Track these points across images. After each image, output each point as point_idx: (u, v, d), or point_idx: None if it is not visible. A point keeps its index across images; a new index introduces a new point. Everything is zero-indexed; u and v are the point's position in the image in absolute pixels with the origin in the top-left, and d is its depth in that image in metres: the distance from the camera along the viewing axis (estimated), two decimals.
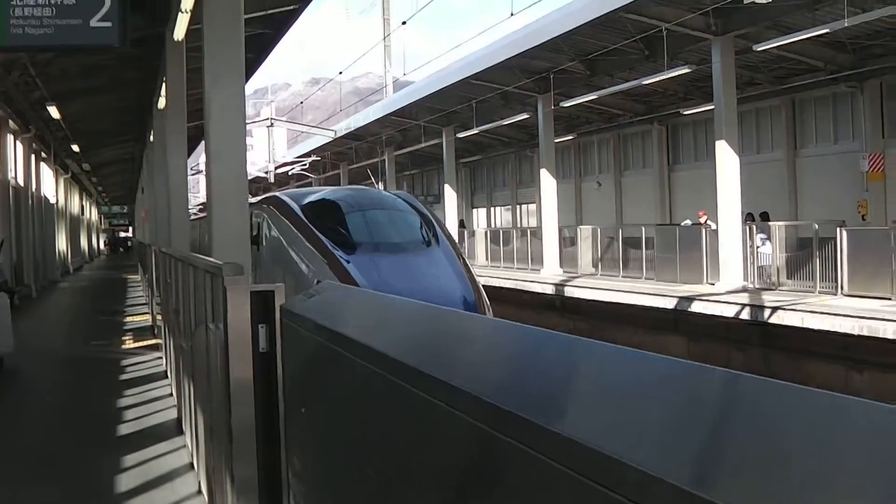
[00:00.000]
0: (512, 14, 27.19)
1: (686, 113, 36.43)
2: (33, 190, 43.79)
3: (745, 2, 23.03)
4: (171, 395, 14.74)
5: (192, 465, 10.62)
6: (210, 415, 7.55)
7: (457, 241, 23.20)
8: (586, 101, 35.72)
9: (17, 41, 9.51)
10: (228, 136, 11.96)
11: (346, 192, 22.20)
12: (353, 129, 53.99)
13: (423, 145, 49.41)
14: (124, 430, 13.72)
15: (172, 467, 11.15)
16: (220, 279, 6.39)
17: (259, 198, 23.26)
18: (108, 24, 9.28)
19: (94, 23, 9.26)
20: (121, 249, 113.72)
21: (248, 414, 5.40)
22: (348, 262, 17.46)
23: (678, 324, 26.95)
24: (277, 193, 23.78)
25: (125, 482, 10.78)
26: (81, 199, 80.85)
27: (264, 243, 20.26)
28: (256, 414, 5.30)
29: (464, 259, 19.33)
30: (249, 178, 77.37)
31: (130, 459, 11.68)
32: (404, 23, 39.31)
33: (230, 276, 6.43)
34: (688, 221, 31.61)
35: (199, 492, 9.63)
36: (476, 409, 1.80)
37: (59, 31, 9.40)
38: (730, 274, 26.14)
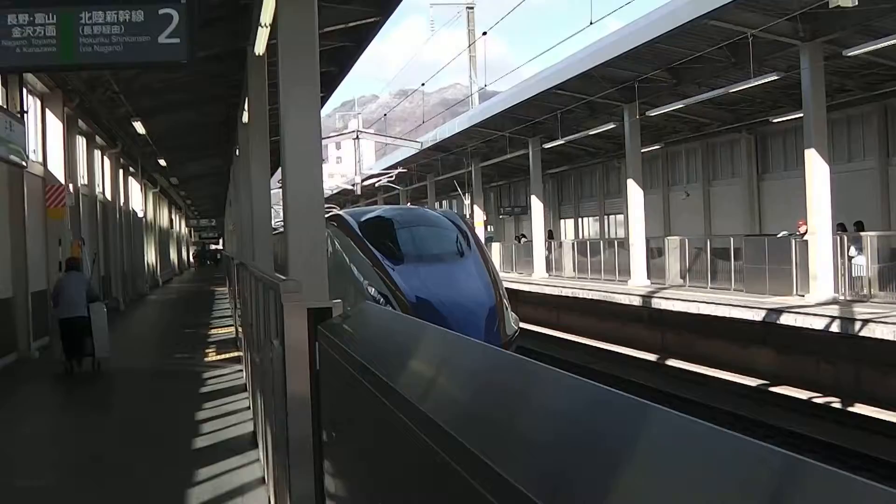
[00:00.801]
0: (591, 23, 26.88)
1: (775, 121, 35.88)
2: (121, 204, 44.33)
3: (830, 6, 22.50)
4: (249, 408, 14.73)
5: (263, 479, 10.58)
6: (274, 429, 7.50)
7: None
8: (673, 110, 35.33)
9: (86, 59, 9.51)
10: (303, 149, 11.87)
11: (397, 211, 25.92)
12: (438, 140, 54.04)
13: (508, 156, 49.24)
14: (201, 442, 13.81)
15: (244, 481, 11.17)
16: (278, 295, 6.36)
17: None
18: (177, 40, 9.24)
19: (162, 39, 9.23)
20: (208, 262, 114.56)
21: (304, 430, 5.33)
22: (394, 270, 20.68)
23: (767, 336, 26.54)
24: (340, 212, 26.28)
25: (196, 495, 10.79)
26: (170, 212, 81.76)
27: (329, 257, 21.06)
28: (314, 430, 5.22)
29: (491, 267, 22.13)
30: (337, 190, 78.57)
31: (204, 473, 11.71)
32: (485, 33, 39.20)
33: (287, 293, 6.37)
34: (784, 232, 30.94)
35: None
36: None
37: (128, 48, 9.38)
38: (820, 285, 25.64)
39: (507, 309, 20.71)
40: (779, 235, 30.21)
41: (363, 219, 23.31)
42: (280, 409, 6.49)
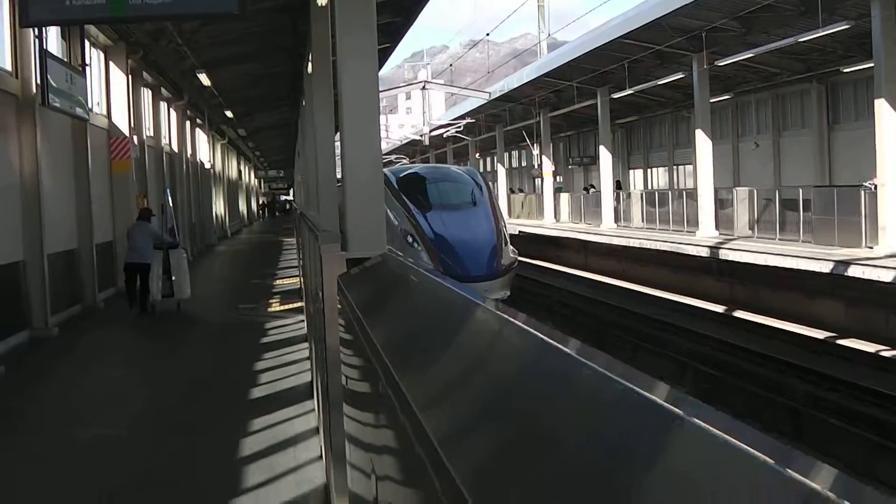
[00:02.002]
0: None
1: (846, 71, 35.24)
2: (188, 156, 44.49)
3: None
4: (308, 358, 14.74)
5: (317, 429, 10.56)
6: (323, 380, 7.46)
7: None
8: (742, 60, 34.80)
9: (134, 11, 9.42)
10: (360, 98, 11.74)
11: (428, 169, 32.91)
12: (506, 90, 53.75)
13: (577, 106, 48.85)
14: (260, 392, 13.93)
15: (298, 431, 11.21)
16: (318, 245, 6.31)
17: None
18: None
19: None
20: (277, 213, 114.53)
21: (339, 380, 5.24)
22: (422, 215, 26.44)
23: (835, 288, 26.17)
24: (383, 170, 27.94)
25: (250, 445, 10.82)
26: (239, 164, 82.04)
27: None
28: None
29: (498, 214, 27.73)
30: (405, 140, 78.63)
31: (260, 422, 11.78)
32: None
33: (326, 244, 6.29)
34: (868, 183, 29.77)
35: (321, 457, 9.56)
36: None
37: (178, 0, 9.27)
38: (889, 237, 25.18)
39: (506, 245, 26.65)
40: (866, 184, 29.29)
41: (400, 175, 29.06)
42: (322, 360, 6.46)
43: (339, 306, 5.16)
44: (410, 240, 25.99)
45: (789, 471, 0.96)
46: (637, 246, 38.33)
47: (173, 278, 22.97)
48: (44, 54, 19.83)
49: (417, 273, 4.36)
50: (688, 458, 1.12)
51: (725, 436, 1.08)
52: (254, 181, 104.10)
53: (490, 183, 32.03)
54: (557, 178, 59.92)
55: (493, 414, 1.75)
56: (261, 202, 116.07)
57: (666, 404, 1.25)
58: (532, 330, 2.08)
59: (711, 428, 1.12)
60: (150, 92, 35.64)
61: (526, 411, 1.64)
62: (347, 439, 4.50)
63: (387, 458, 2.22)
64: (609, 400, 1.42)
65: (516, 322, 2.23)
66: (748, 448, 1.04)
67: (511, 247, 27.18)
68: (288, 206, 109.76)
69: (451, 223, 26.14)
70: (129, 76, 29.60)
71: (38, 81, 19.80)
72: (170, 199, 28.49)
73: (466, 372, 2.22)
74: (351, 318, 3.88)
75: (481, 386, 2.02)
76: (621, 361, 1.63)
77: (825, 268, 25.18)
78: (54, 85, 20.19)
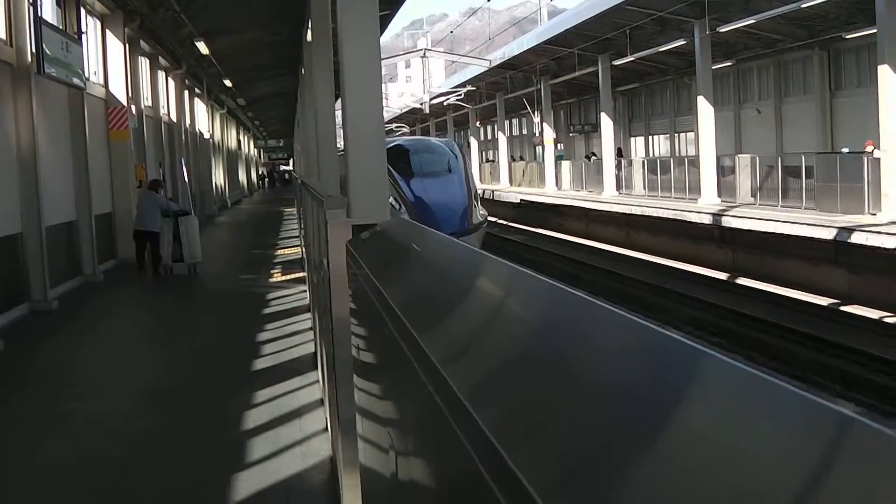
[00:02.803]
0: None
1: (848, 37, 35.04)
2: (187, 125, 44.31)
3: None
4: (311, 328, 14.65)
5: (322, 400, 10.48)
6: (328, 350, 7.36)
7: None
8: (744, 27, 34.60)
9: None
10: (363, 64, 11.58)
11: (411, 141, 36.26)
12: (507, 58, 53.58)
13: (578, 74, 48.70)
14: (262, 363, 13.85)
15: (303, 403, 11.15)
16: (323, 212, 6.24)
17: None
18: None
19: None
20: (277, 184, 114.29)
21: (347, 350, 5.11)
22: (405, 182, 29.80)
23: (838, 255, 26.07)
24: None
25: (254, 417, 10.76)
26: (238, 133, 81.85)
27: None
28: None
29: (470, 179, 31.69)
30: (406, 109, 78.71)
31: (264, 394, 11.72)
32: None
33: (331, 209, 6.21)
34: (845, 149, 30.10)
35: (326, 429, 9.47)
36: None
37: None
38: (892, 203, 25.06)
39: (475, 208, 30.78)
40: (841, 152, 29.25)
41: (387, 147, 29.53)
42: (328, 330, 6.38)
43: (348, 273, 5.03)
44: (396, 205, 28.16)
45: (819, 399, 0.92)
46: (639, 213, 38.23)
47: (182, 244, 24.46)
48: (39, 22, 19.65)
49: (427, 233, 4.25)
50: (718, 396, 1.11)
51: (753, 371, 1.07)
52: (253, 151, 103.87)
53: (465, 153, 36.68)
54: (558, 145, 59.79)
55: (518, 365, 1.71)
56: (260, 172, 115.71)
57: (693, 344, 1.24)
58: (546, 279, 2.06)
59: (742, 365, 1.10)
60: (147, 61, 35.44)
61: (551, 358, 1.59)
62: (359, 412, 4.37)
63: (408, 426, 2.11)
64: (633, 342, 1.31)
65: (529, 273, 2.21)
66: (777, 381, 1.02)
67: (481, 208, 32.03)
68: (287, 177, 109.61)
69: (430, 188, 30.15)
70: (127, 45, 29.37)
71: (34, 50, 19.61)
72: (185, 169, 29.45)
73: (487, 325, 2.18)
74: (363, 285, 3.77)
75: (503, 338, 1.98)
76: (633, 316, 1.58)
77: (828, 235, 25.08)
78: (49, 53, 20.02)
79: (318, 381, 11.54)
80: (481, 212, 31.62)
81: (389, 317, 2.77)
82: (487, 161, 75.63)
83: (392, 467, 2.55)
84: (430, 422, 1.81)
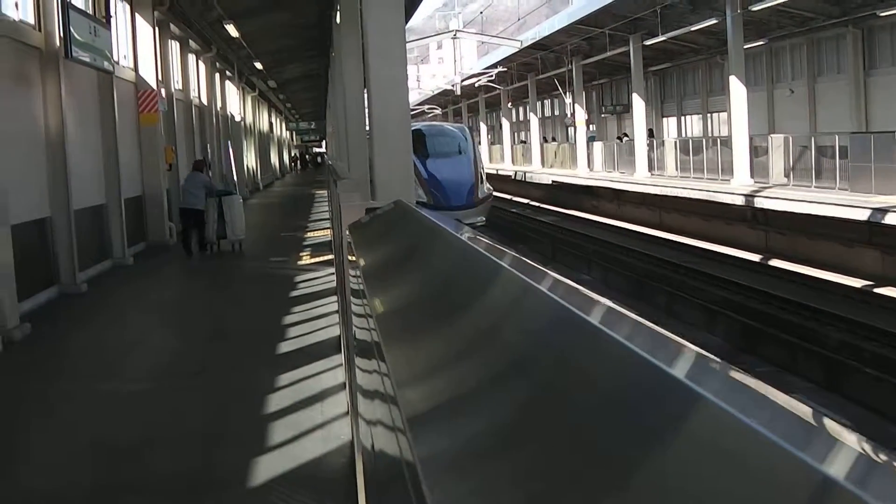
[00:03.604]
0: None
1: (883, 14, 34.68)
2: (218, 108, 44.37)
3: None
4: (337, 311, 14.65)
5: (345, 384, 10.46)
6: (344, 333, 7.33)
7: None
8: (776, 5, 34.30)
9: None
10: (387, 47, 11.56)
11: (428, 126, 40.07)
12: (538, 38, 53.41)
13: (609, 54, 48.50)
14: (289, 346, 13.87)
15: (325, 387, 11.15)
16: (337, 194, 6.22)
17: None
18: None
19: None
20: (309, 166, 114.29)
21: (361, 334, 5.07)
22: (422, 162, 33.16)
23: (872, 236, 25.86)
24: None
25: (276, 401, 10.76)
26: (270, 116, 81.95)
27: None
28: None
29: (478, 159, 36.75)
30: (437, 91, 78.55)
31: (288, 377, 11.72)
32: None
33: (345, 192, 6.16)
34: None
35: (348, 412, 9.45)
36: None
37: None
38: None
39: (482, 183, 35.80)
40: None
41: None
42: (343, 313, 6.38)
43: (351, 256, 5.01)
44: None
45: (803, 456, 0.81)
46: (671, 194, 38.06)
47: (227, 221, 25.83)
48: (66, 7, 19.70)
49: (421, 218, 4.21)
50: (701, 441, 0.97)
51: (743, 418, 0.92)
52: (285, 134, 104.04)
53: (475, 137, 44.63)
54: (590, 126, 59.54)
55: (480, 347, 1.77)
56: (292, 155, 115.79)
57: (685, 381, 1.09)
58: (521, 258, 2.15)
59: (730, 409, 0.95)
60: (177, 44, 35.51)
61: (524, 358, 1.58)
62: (361, 395, 4.34)
63: (415, 409, 2.08)
64: (621, 367, 1.26)
65: (514, 255, 2.29)
66: (764, 431, 0.88)
67: (487, 184, 37.06)
68: (320, 159, 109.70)
69: (442, 167, 34.61)
70: (156, 28, 29.43)
71: (62, 34, 19.66)
72: (231, 152, 31.57)
73: (453, 309, 2.26)
74: (360, 268, 3.74)
75: (469, 323, 2.04)
76: (647, 321, 1.47)
77: (862, 216, 24.87)
78: (78, 38, 20.07)
79: (342, 364, 11.53)
80: (487, 187, 36.73)
81: (383, 299, 2.74)
82: (520, 142, 75.42)
83: (403, 452, 2.51)
84: (438, 404, 1.79)
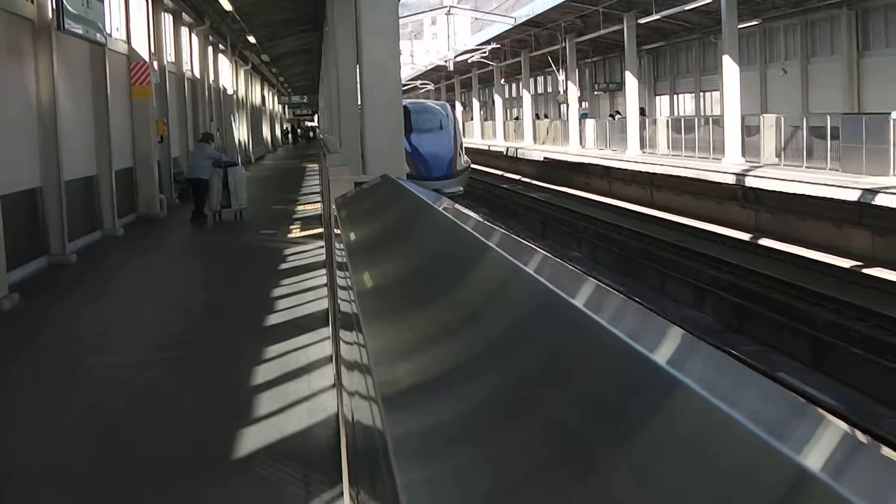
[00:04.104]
0: None
1: None
2: (210, 81, 44.25)
3: None
4: (326, 284, 14.66)
5: (331, 357, 10.48)
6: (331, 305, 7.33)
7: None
8: None
9: None
10: (380, 22, 11.57)
11: (413, 103, 41.24)
12: (532, 15, 53.34)
13: (603, 32, 48.46)
14: (275, 319, 13.86)
15: (312, 359, 11.17)
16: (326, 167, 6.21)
17: None
18: None
19: None
20: (301, 140, 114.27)
21: (346, 307, 5.08)
22: (406, 137, 30.46)
23: (862, 217, 25.90)
24: None
25: (263, 373, 10.79)
26: (263, 89, 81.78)
27: None
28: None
29: (457, 134, 39.27)
30: (431, 66, 78.37)
31: (275, 350, 11.73)
32: None
33: (334, 167, 6.15)
34: None
35: (334, 385, 9.47)
36: None
37: None
38: None
39: (460, 156, 38.42)
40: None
41: None
42: (332, 286, 6.38)
43: (337, 229, 5.00)
44: None
45: (781, 447, 0.81)
46: (662, 173, 38.07)
47: (231, 191, 26.59)
48: None
49: (405, 192, 4.21)
50: (680, 427, 0.97)
51: (724, 407, 0.91)
52: (278, 107, 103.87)
53: (458, 114, 49.36)
54: (583, 104, 59.52)
55: (458, 325, 1.79)
56: (284, 128, 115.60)
57: (666, 367, 1.08)
58: (509, 235, 2.16)
59: (711, 397, 0.94)
60: (170, 17, 35.41)
61: (494, 331, 1.63)
62: (345, 366, 4.35)
63: (393, 381, 2.09)
64: (602, 352, 1.26)
65: (489, 226, 2.33)
66: (744, 421, 0.87)
67: (465, 157, 40.30)
68: (311, 134, 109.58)
69: (424, 141, 36.66)
70: (149, 1, 29.32)
71: (54, 6, 19.56)
72: (234, 125, 32.97)
73: (434, 286, 2.29)
74: (344, 241, 3.73)
75: (449, 300, 2.07)
76: (633, 303, 1.49)
77: (852, 196, 24.90)
78: (70, 9, 19.95)
79: (328, 337, 11.55)
80: (465, 160, 39.90)
81: (366, 273, 2.74)
82: (514, 119, 75.35)
83: (377, 426, 2.51)
84: (413, 381, 1.80)
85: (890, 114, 26.99)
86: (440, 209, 3.33)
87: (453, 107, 45.91)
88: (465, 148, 42.18)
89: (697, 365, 1.13)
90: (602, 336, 1.25)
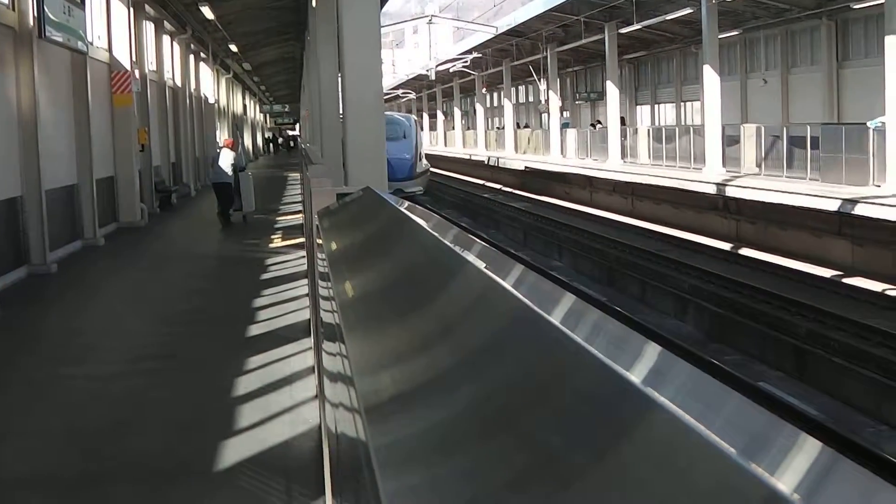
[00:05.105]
0: None
1: (856, 7, 34.81)
2: (192, 90, 44.21)
3: None
4: (308, 295, 14.65)
5: (314, 368, 10.48)
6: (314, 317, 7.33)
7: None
8: None
9: None
10: (361, 32, 11.57)
11: None
12: (514, 25, 53.42)
13: (584, 41, 48.56)
14: (257, 329, 13.84)
15: (295, 370, 11.15)
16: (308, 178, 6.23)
17: None
18: None
19: None
20: (281, 148, 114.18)
21: (328, 318, 5.09)
22: None
23: (842, 227, 25.99)
24: None
25: (244, 384, 10.77)
26: (244, 98, 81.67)
27: None
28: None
29: (419, 143, 44.42)
30: (412, 76, 78.48)
31: (256, 360, 11.72)
32: None
33: (316, 178, 6.16)
34: (880, 121, 28.71)
35: (317, 396, 9.46)
36: None
37: None
38: None
39: (420, 160, 43.72)
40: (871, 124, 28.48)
41: None
42: (314, 296, 6.38)
43: (320, 240, 5.02)
44: None
45: (754, 467, 0.81)
46: (643, 182, 38.15)
47: (243, 195, 28.73)
48: None
49: (387, 206, 4.22)
50: (652, 447, 0.97)
51: (698, 425, 0.92)
52: (259, 116, 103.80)
53: (419, 125, 53.55)
54: (564, 113, 59.63)
55: (437, 339, 1.82)
56: (266, 137, 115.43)
57: (641, 385, 1.08)
58: (489, 249, 2.16)
59: (684, 415, 0.95)
60: (152, 25, 35.35)
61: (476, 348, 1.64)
62: (328, 378, 4.36)
63: (376, 392, 2.10)
64: (579, 373, 1.27)
65: (470, 239, 2.36)
66: (718, 442, 0.88)
67: (425, 161, 46.78)
68: (293, 143, 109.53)
69: (390, 148, 39.38)
70: (131, 9, 29.30)
71: (35, 13, 19.54)
72: (239, 134, 33.22)
73: (415, 300, 2.31)
74: (326, 252, 3.75)
75: (429, 314, 2.09)
76: (610, 319, 1.50)
77: (832, 206, 25.00)
78: (52, 17, 19.95)
79: (310, 347, 11.54)
80: (424, 164, 46.12)
81: (348, 284, 2.75)
82: (496, 128, 75.39)
83: (360, 437, 2.53)
84: (395, 391, 1.81)
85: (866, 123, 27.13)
86: (421, 223, 3.34)
87: (418, 119, 51.43)
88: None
89: (673, 382, 1.13)
90: (577, 352, 1.26)
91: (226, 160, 28.33)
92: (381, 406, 1.76)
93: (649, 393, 1.02)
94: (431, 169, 51.82)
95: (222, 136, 61.20)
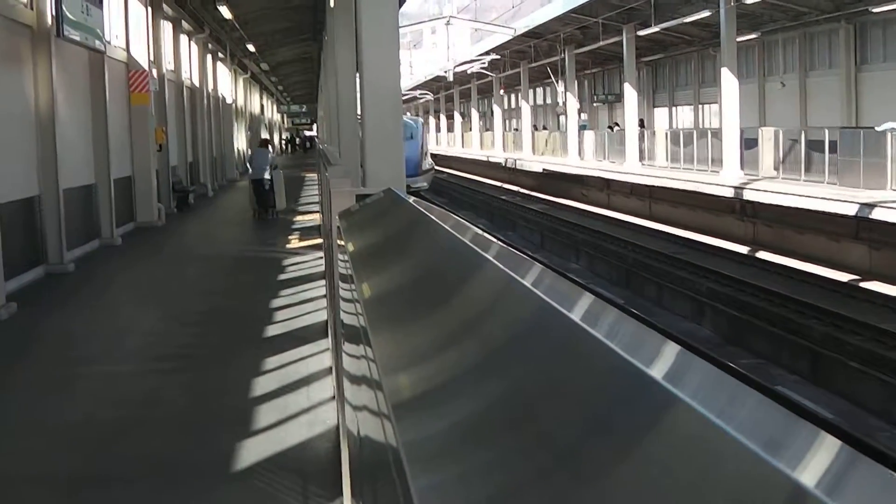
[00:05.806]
0: None
1: (876, 11, 34.71)
2: (209, 90, 44.27)
3: None
4: (325, 296, 14.64)
5: (331, 368, 10.48)
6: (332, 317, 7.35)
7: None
8: None
9: None
10: (380, 33, 11.55)
11: None
12: (532, 27, 53.39)
13: (602, 43, 48.50)
14: (274, 330, 13.84)
15: (312, 371, 11.14)
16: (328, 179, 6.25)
17: None
18: None
19: None
20: (298, 148, 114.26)
21: (349, 319, 5.10)
22: None
23: (859, 231, 25.92)
24: None
25: (262, 384, 10.77)
26: (262, 98, 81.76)
27: None
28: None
29: (424, 144, 48.14)
30: (430, 77, 78.52)
31: (274, 361, 11.71)
32: None
33: (336, 179, 6.16)
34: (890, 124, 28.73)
35: (335, 397, 9.47)
36: None
37: None
38: None
39: (424, 158, 47.41)
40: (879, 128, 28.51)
41: None
42: (331, 298, 6.39)
43: (340, 241, 5.02)
44: None
45: (776, 463, 0.82)
46: (661, 185, 38.09)
47: (275, 193, 30.48)
48: None
49: (408, 207, 4.22)
50: (674, 443, 0.98)
51: (718, 422, 0.92)
52: (276, 116, 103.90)
53: (425, 127, 60.01)
54: (582, 115, 59.57)
55: (463, 337, 1.83)
56: (283, 137, 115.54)
57: (661, 381, 1.09)
58: (508, 249, 2.18)
59: (704, 411, 0.96)
60: (170, 25, 35.42)
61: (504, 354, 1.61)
62: (348, 379, 4.37)
63: (398, 393, 2.11)
64: (597, 365, 1.28)
65: (489, 240, 2.37)
66: (738, 436, 0.88)
67: (430, 160, 50.59)
68: (310, 143, 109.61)
69: None
70: (149, 8, 29.38)
71: (53, 13, 19.59)
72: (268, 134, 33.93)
73: (439, 299, 2.32)
74: (347, 253, 3.76)
75: (453, 313, 2.11)
76: (628, 317, 1.50)
77: (850, 210, 24.92)
78: (70, 16, 20.00)
79: (328, 349, 11.55)
80: (429, 162, 50.17)
81: (371, 285, 2.76)
82: (513, 130, 75.36)
83: (388, 438, 2.53)
84: (422, 391, 1.82)
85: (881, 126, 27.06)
86: (442, 224, 3.35)
87: (426, 121, 52.83)
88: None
89: (692, 380, 1.13)
90: (599, 349, 1.27)
91: (265, 158, 30.25)
92: (408, 404, 1.77)
93: (671, 389, 1.03)
94: (448, 171, 56.97)
95: (244, 136, 61.66)
